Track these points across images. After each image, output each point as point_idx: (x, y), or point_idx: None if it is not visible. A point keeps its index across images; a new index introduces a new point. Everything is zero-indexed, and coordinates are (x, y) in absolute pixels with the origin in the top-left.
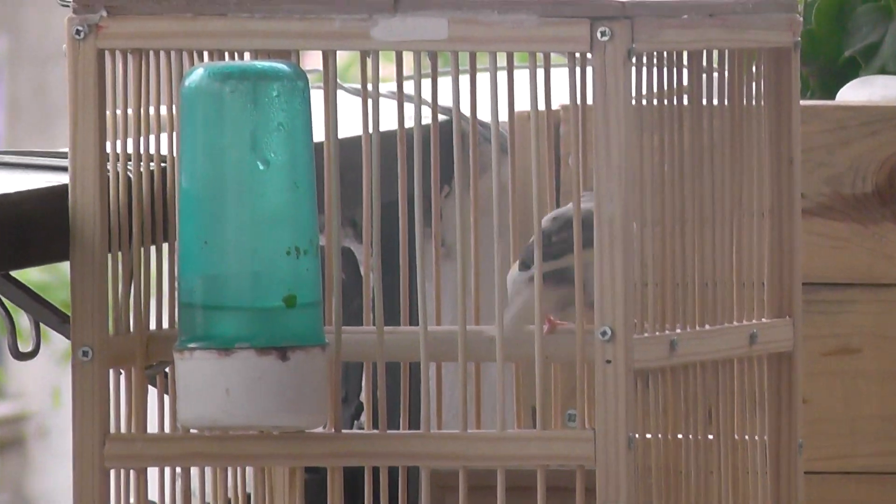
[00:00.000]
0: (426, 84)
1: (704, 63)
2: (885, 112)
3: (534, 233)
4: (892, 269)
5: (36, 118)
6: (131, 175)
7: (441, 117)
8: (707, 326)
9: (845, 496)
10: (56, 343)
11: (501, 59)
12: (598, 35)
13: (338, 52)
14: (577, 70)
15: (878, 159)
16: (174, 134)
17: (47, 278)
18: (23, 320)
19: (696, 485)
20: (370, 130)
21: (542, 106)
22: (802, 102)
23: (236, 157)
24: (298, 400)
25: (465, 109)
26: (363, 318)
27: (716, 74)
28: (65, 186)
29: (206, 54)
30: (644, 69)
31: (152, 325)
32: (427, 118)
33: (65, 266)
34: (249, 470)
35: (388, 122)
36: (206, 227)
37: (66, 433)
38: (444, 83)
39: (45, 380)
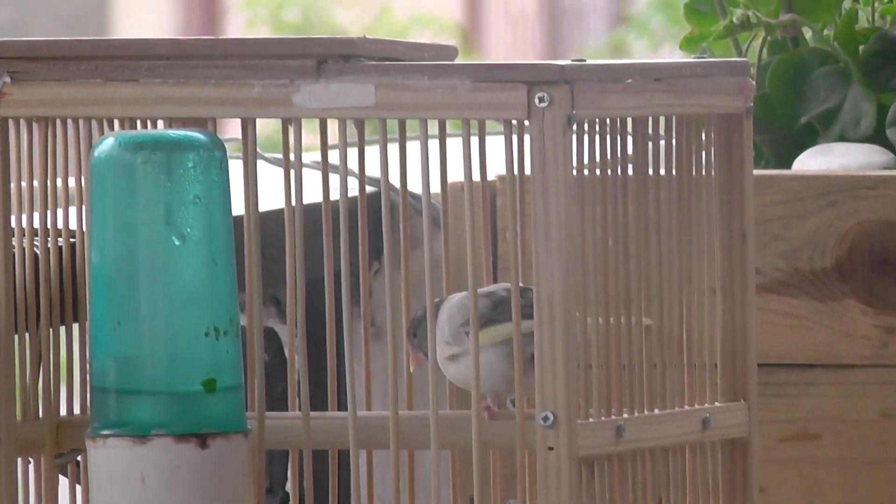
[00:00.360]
0: (353, 153)
1: (650, 130)
2: (845, 182)
3: (470, 311)
4: (855, 348)
5: None
6: (38, 251)
7: (369, 188)
8: (656, 411)
9: None
10: None
11: (433, 127)
12: (536, 101)
13: (258, 121)
14: (514, 138)
15: (837, 232)
16: (83, 207)
17: None
18: None
19: None
20: (293, 203)
21: (476, 176)
22: (756, 172)
23: (150, 233)
24: (219, 490)
25: (395, 180)
26: (288, 402)
27: (662, 142)
28: None
29: (116, 123)
30: (585, 137)
31: (62, 411)
32: (354, 190)
33: None
34: None
35: (313, 194)
36: (119, 306)
37: None
38: (372, 152)
39: None
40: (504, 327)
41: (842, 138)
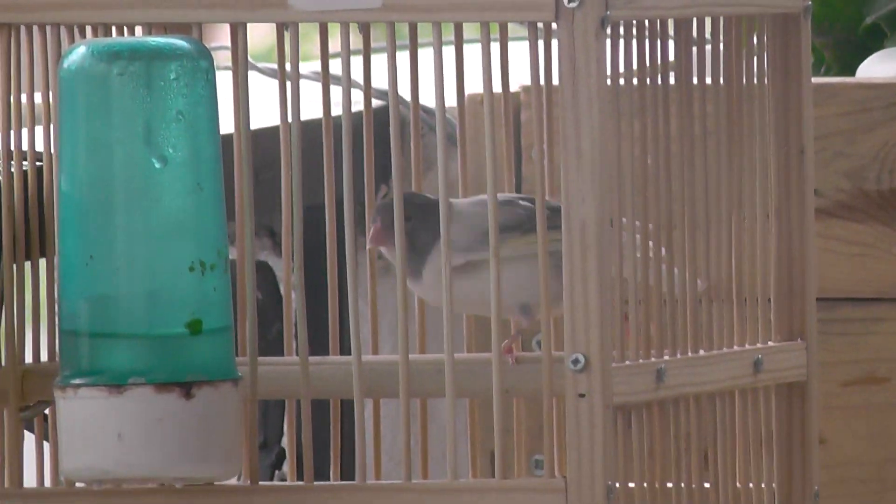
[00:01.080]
0: (357, 62)
1: (695, 33)
2: None
3: (490, 239)
4: None
5: None
6: None
7: (375, 102)
8: (701, 352)
9: None
10: None
11: (448, 32)
12: (565, 1)
13: (249, 26)
14: (541, 44)
15: None
16: (51, 126)
17: None
18: None
19: None
20: (290, 119)
21: (498, 87)
22: (815, 80)
23: (127, 154)
24: (206, 446)
25: (405, 92)
26: (284, 346)
27: (709, 47)
28: None
29: (88, 29)
30: (621, 42)
31: (28, 358)
32: (359, 103)
33: None
34: None
35: (312, 109)
36: (92, 239)
37: None
38: (379, 61)
39: None
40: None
41: None
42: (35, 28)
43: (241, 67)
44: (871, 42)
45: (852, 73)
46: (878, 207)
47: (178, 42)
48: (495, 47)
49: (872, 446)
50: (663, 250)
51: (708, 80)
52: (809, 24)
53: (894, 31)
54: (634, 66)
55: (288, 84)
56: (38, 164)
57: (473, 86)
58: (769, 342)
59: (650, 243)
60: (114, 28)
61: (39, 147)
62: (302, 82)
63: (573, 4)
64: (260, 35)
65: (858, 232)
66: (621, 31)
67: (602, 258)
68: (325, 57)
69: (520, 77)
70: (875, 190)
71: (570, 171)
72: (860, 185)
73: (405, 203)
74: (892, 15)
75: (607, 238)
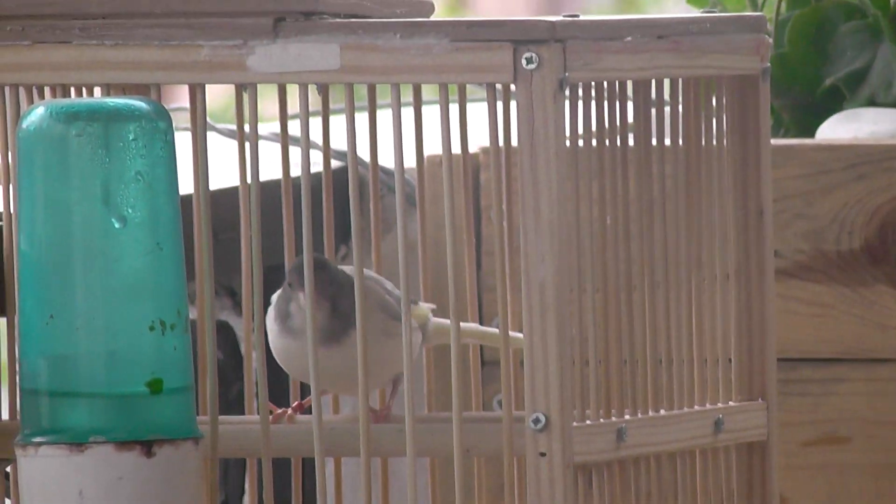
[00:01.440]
0: (315, 123)
1: (654, 95)
2: (874, 152)
3: (449, 299)
4: (888, 341)
5: None
6: None
7: (334, 163)
8: (662, 412)
9: None
10: None
11: (406, 93)
12: (524, 62)
13: (208, 87)
14: (499, 104)
15: (867, 209)
16: (10, 186)
17: None
18: None
19: None
20: (249, 179)
21: (457, 148)
22: (774, 141)
23: (86, 214)
24: None
25: (364, 153)
26: (245, 405)
27: (668, 108)
28: None
29: (47, 90)
30: (580, 103)
31: None
32: (318, 164)
33: None
34: None
35: (271, 170)
36: (52, 298)
37: None
38: (338, 122)
39: None
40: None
41: (871, 103)
42: None
43: (199, 128)
44: (830, 104)
45: (811, 134)
46: (838, 269)
47: (137, 103)
48: (454, 108)
49: None
50: (623, 311)
51: (667, 142)
52: (768, 86)
53: (853, 92)
54: (593, 127)
55: (247, 144)
56: None
57: (432, 147)
58: (730, 402)
59: (609, 306)
60: (72, 89)
61: None
62: (261, 143)
63: (531, 66)
64: (218, 95)
65: (818, 293)
66: (580, 92)
67: (561, 318)
68: (283, 118)
69: (479, 138)
70: (835, 251)
71: (528, 232)
72: (819, 246)
73: (328, 272)
74: (850, 76)
75: (566, 298)
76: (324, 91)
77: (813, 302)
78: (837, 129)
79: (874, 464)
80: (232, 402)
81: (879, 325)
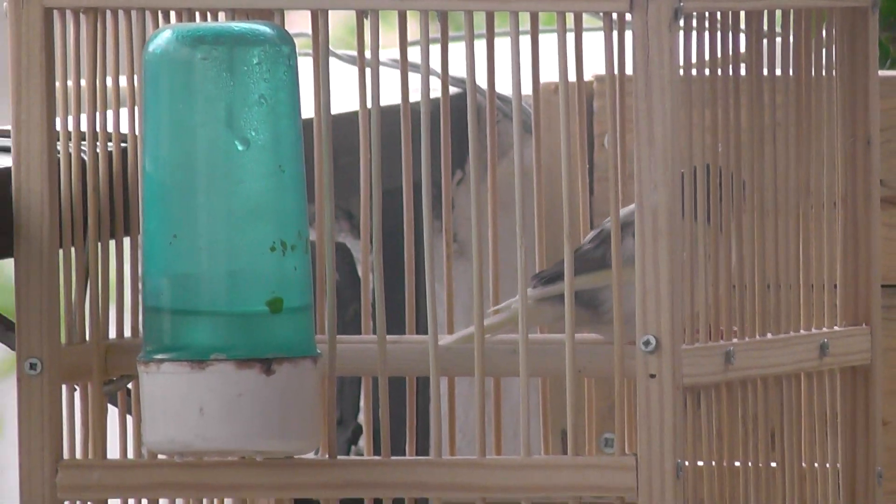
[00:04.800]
0: (435, 50)
1: (765, 26)
2: None
3: (564, 225)
4: None
5: None
6: (85, 157)
7: (453, 89)
8: (769, 335)
9: None
10: None
11: (524, 21)
12: None
13: (330, 13)
14: (615, 34)
15: None
16: (136, 109)
17: None
18: None
19: None
20: (369, 105)
21: (572, 77)
22: (882, 73)
23: (210, 136)
24: (285, 421)
25: (482, 80)
26: (361, 325)
27: (779, 39)
28: (7, 170)
29: (173, 14)
30: (694, 33)
31: (112, 334)
32: (436, 91)
33: (6, 267)
34: (228, 502)
35: (391, 96)
36: (175, 218)
37: (4, 468)
38: (457, 49)
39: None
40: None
41: None
42: (121, 12)
43: (321, 54)
44: None
45: None
46: None
47: (261, 28)
48: (570, 37)
49: None
50: (733, 237)
51: (777, 72)
52: (877, 18)
53: None
54: (706, 57)
55: (367, 70)
56: (123, 145)
57: (548, 75)
58: (835, 327)
59: (720, 231)
60: (198, 13)
61: (125, 129)
62: (381, 69)
63: None
64: (339, 21)
65: None
66: (694, 22)
67: (673, 244)
68: (403, 44)
69: (593, 66)
70: None
71: (642, 159)
72: None
73: None
74: None
75: (677, 224)
76: (443, 18)
77: None
78: None
79: None
80: (348, 322)
81: None
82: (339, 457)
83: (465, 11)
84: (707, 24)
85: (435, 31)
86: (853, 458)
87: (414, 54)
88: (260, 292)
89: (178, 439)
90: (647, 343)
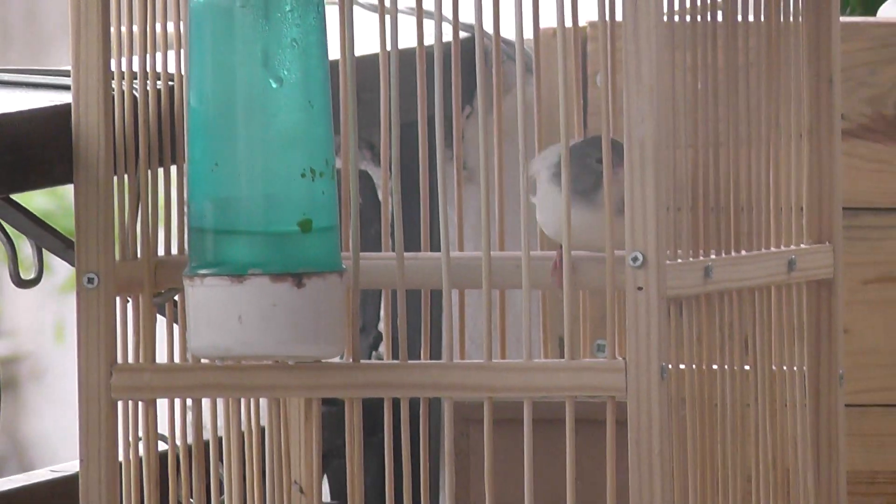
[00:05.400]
0: (447, 0)
1: None
2: None
3: (562, 156)
4: None
5: (28, 45)
6: (137, 94)
7: (462, 34)
8: (743, 252)
9: (888, 429)
10: (56, 275)
11: None
12: None
13: None
14: None
15: None
16: (182, 51)
17: (50, 206)
18: (24, 247)
19: (731, 417)
20: (388, 48)
21: (568, 22)
22: (842, 19)
23: (248, 75)
24: (315, 328)
25: (488, 26)
26: (381, 244)
27: None
28: (67, 106)
29: None
30: None
31: (160, 251)
32: (448, 35)
33: (68, 193)
34: (263, 401)
35: (407, 40)
36: (217, 148)
37: (63, 374)
38: None
39: (41, 317)
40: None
41: None
42: None
43: (346, 2)
44: None
45: (874, 13)
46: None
47: None
48: None
49: (888, 336)
50: (711, 164)
51: (750, 18)
52: None
53: None
54: (687, 5)
55: (387, 17)
56: (170, 83)
57: (547, 20)
58: (801, 244)
59: (699, 159)
60: None
61: (171, 69)
62: (399, 16)
63: None
64: None
65: (878, 151)
66: None
67: (658, 170)
68: None
69: (587, 13)
70: (893, 115)
71: (631, 96)
72: (880, 110)
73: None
74: None
75: (662, 153)
76: None
77: (874, 159)
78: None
79: None
80: (370, 240)
81: None
82: (361, 360)
83: None
84: None
85: None
86: (818, 362)
87: (428, 3)
88: (292, 214)
89: (219, 345)
90: (635, 259)
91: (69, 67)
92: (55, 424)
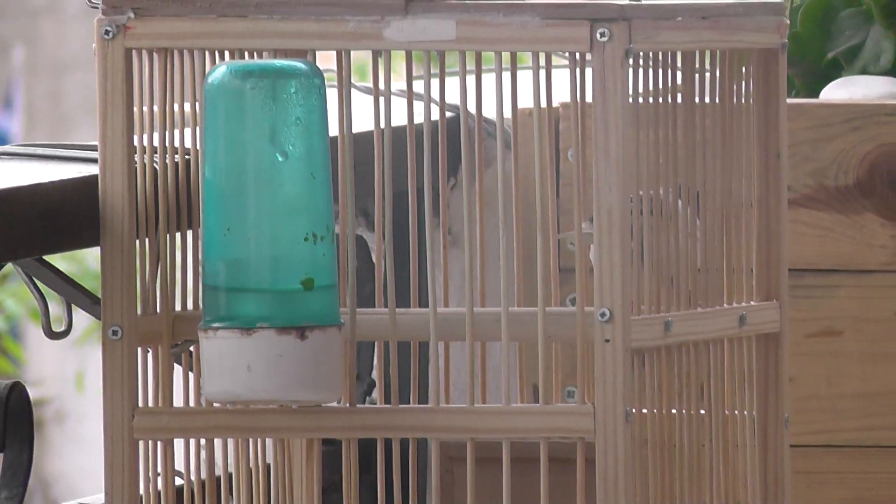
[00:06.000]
0: (434, 83)
1: (697, 63)
2: (866, 109)
3: (537, 221)
4: (874, 256)
5: (52, 124)
6: (157, 166)
7: (448, 114)
8: (699, 309)
9: (828, 468)
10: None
11: (506, 60)
12: (598, 36)
13: (351, 53)
14: (578, 70)
15: (859, 154)
16: (198, 128)
17: (73, 269)
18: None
19: (688, 457)
20: (382, 126)
21: (543, 103)
22: (789, 101)
23: (256, 150)
24: (316, 376)
25: (472, 107)
26: (375, 301)
27: (708, 74)
28: (95, 177)
29: (227, 53)
30: (640, 69)
31: (178, 307)
32: (435, 115)
33: (89, 257)
34: (269, 441)
35: (399, 118)
36: (229, 214)
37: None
38: (452, 82)
39: (63, 367)
40: None
41: (864, 71)
42: (185, 52)
43: (345, 85)
44: (832, 72)
45: (817, 95)
46: (836, 200)
47: (297, 64)
48: (542, 72)
49: (829, 384)
50: (671, 230)
51: (707, 100)
52: (786, 57)
53: (850, 64)
54: (651, 88)
55: (381, 99)
56: (187, 157)
57: (524, 101)
58: (751, 302)
59: (661, 225)
60: (247, 53)
61: (188, 144)
62: (391, 98)
63: (604, 39)
64: (358, 58)
65: (820, 218)
66: (641, 60)
67: (624, 234)
68: (409, 77)
69: (560, 95)
70: (833, 186)
71: (600, 169)
72: (822, 182)
73: None
74: (848, 51)
75: (627, 219)
76: (441, 57)
77: (816, 225)
78: (837, 91)
79: (861, 352)
80: (365, 298)
81: (867, 243)
82: (357, 405)
83: (459, 52)
84: (651, 63)
85: (434, 67)
86: (766, 407)
87: (418, 86)
88: (296, 273)
89: (230, 391)
90: (603, 314)
91: (96, 142)
92: (75, 463)
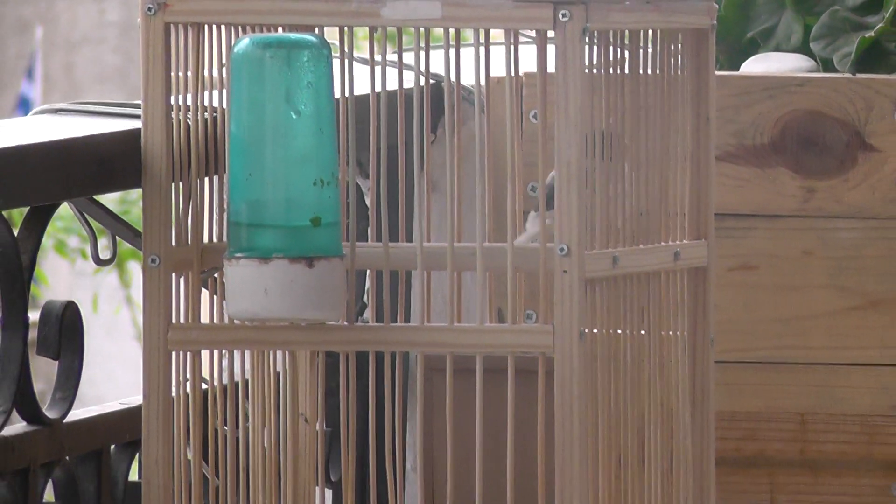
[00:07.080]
0: (422, 55)
1: (642, 41)
2: (779, 81)
3: (508, 172)
4: (785, 203)
5: (65, 91)
6: (191, 122)
7: (432, 81)
8: (641, 246)
9: (745, 380)
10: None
11: (482, 36)
12: (560, 16)
13: (354, 28)
14: (542, 44)
15: (773, 118)
16: (224, 90)
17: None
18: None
19: (631, 370)
20: (377, 90)
21: (513, 72)
22: (717, 73)
23: (274, 109)
24: (321, 298)
25: (452, 75)
26: (368, 236)
27: (650, 50)
28: (138, 130)
29: (249, 28)
30: (595, 45)
31: (206, 239)
32: (422, 81)
33: (134, 196)
34: (280, 352)
35: (391, 84)
36: (250, 162)
37: (94, 337)
38: (437, 54)
39: (72, 291)
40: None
41: (777, 49)
42: (216, 26)
43: (347, 56)
44: (751, 49)
45: (738, 69)
46: (754, 156)
47: (309, 37)
48: (512, 48)
49: (746, 311)
50: (619, 180)
51: (649, 72)
52: (714, 37)
53: (765, 42)
54: (603, 61)
55: (377, 68)
56: (215, 115)
57: (497, 71)
58: (684, 241)
59: (610, 175)
60: (266, 28)
61: (217, 104)
62: (386, 67)
63: (565, 19)
64: (358, 34)
65: (740, 172)
66: (595, 38)
67: (580, 182)
68: (400, 49)
69: (526, 66)
70: (751, 144)
71: (560, 128)
72: (742, 141)
73: None
74: (764, 32)
75: (583, 170)
76: (427, 32)
77: (737, 177)
78: (755, 65)
79: (773, 284)
80: (361, 232)
81: (779, 193)
82: (354, 323)
83: (444, 28)
84: (604, 39)
85: (422, 41)
86: (695, 329)
87: (408, 58)
88: (305, 212)
89: (249, 310)
90: (562, 249)
91: (139, 101)
92: (90, 377)
